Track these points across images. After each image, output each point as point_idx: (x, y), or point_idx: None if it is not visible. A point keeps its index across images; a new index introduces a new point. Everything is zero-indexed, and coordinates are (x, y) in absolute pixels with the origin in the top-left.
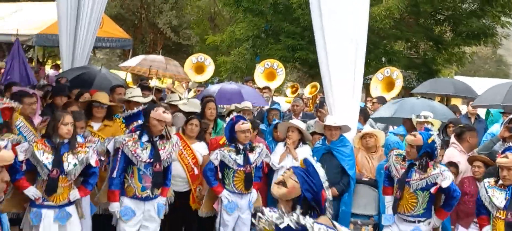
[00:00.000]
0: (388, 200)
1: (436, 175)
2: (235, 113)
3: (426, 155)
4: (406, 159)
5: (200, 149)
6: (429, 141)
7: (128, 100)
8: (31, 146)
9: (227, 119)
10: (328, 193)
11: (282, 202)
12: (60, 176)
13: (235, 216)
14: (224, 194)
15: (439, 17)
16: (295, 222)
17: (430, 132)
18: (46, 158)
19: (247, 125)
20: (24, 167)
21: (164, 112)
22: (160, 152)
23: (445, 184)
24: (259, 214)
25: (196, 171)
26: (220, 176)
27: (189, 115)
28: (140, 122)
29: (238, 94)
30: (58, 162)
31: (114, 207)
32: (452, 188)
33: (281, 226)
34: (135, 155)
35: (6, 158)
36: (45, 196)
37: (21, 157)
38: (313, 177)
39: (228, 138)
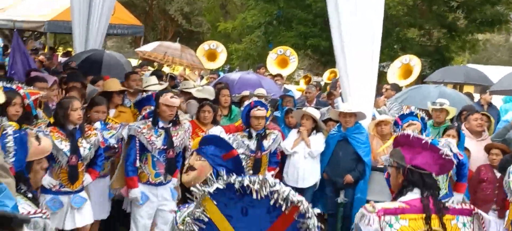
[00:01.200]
0: None
1: (443, 144)
2: (254, 99)
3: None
4: None
5: (216, 133)
6: (419, 117)
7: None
8: (49, 135)
9: (246, 103)
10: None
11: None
12: (78, 162)
13: None
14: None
15: (452, 4)
16: (223, 182)
17: (414, 113)
18: (64, 146)
19: (262, 112)
20: None
21: (171, 97)
22: (173, 139)
23: (454, 148)
24: (192, 189)
25: None
26: None
27: (202, 102)
28: (152, 107)
29: (258, 84)
30: (75, 149)
31: (136, 192)
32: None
33: (211, 190)
34: (150, 142)
35: (47, 148)
36: (69, 184)
37: None
38: (219, 146)
39: (244, 122)
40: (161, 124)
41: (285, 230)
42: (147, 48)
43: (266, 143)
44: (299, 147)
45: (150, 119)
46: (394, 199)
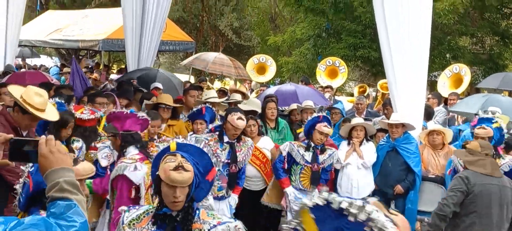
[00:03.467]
0: None
1: (509, 163)
2: (324, 112)
3: (496, 143)
4: None
5: (265, 144)
6: (495, 126)
7: (204, 102)
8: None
9: (315, 114)
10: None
11: (181, 189)
12: None
13: None
14: (290, 190)
15: (505, 11)
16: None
17: (493, 120)
18: None
19: (328, 130)
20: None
21: (238, 118)
22: (237, 154)
23: None
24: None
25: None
26: (285, 166)
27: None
28: (217, 121)
29: (294, 95)
30: None
31: None
32: None
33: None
34: (215, 154)
35: (82, 172)
36: None
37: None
38: (201, 157)
39: (305, 132)
40: (226, 139)
41: None
42: (200, 64)
43: (321, 157)
44: (351, 158)
45: (217, 132)
46: (120, 157)
